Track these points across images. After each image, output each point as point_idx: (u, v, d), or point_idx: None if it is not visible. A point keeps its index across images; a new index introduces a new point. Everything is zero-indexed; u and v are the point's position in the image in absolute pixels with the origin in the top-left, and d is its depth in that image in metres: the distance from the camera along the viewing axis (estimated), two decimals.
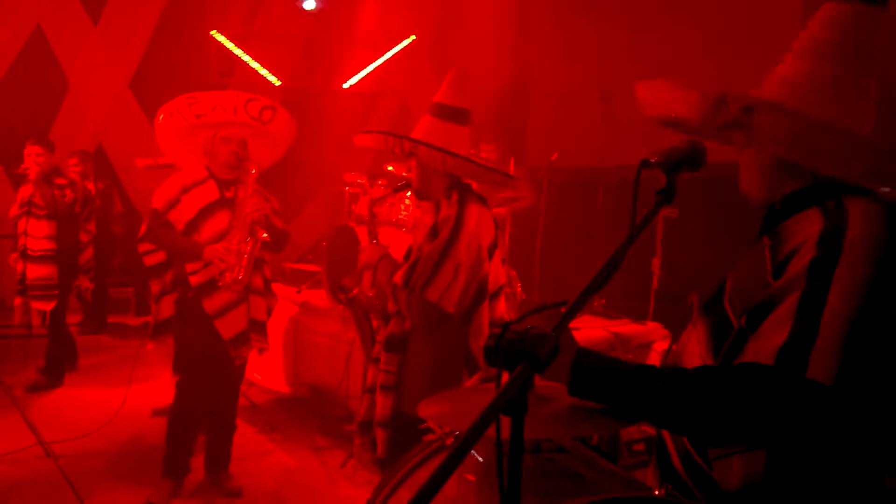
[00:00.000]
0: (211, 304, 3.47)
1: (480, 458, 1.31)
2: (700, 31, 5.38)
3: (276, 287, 5.82)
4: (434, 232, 2.41)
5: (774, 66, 1.38)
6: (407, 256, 2.56)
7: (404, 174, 5.25)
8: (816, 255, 1.15)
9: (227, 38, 7.21)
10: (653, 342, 4.96)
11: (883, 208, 1.21)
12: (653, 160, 1.19)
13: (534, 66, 7.27)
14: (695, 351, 1.35)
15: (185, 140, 3.58)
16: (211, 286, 3.45)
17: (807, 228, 1.21)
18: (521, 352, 0.92)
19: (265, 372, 5.65)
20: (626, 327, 4.89)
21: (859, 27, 1.27)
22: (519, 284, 4.86)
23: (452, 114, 2.53)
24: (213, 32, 7.17)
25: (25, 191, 5.22)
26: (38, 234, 5.19)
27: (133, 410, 4.50)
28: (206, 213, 3.48)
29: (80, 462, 3.96)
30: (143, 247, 3.60)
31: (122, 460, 4.04)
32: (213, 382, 3.61)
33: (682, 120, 1.33)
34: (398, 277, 2.40)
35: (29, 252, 5.19)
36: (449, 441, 1.40)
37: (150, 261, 3.64)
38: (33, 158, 5.09)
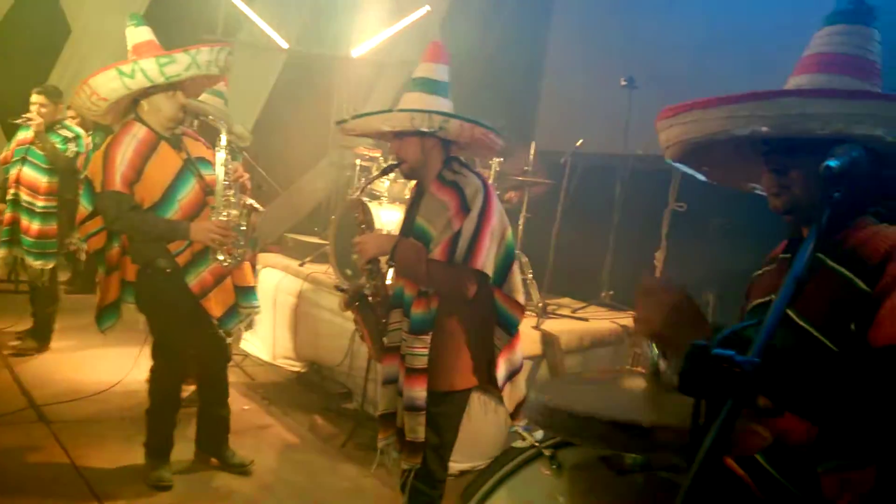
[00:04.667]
0: (197, 283, 3.20)
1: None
2: (728, 19, 5.26)
3: (277, 258, 5.72)
4: (465, 207, 2.40)
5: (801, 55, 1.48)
6: (418, 234, 2.50)
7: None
8: None
9: None
10: None
11: None
12: (837, 168, 1.07)
13: (550, 49, 7.12)
14: None
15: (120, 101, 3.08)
16: (195, 264, 3.18)
17: (882, 237, 1.28)
18: (733, 382, 0.79)
19: (262, 345, 5.53)
20: (631, 320, 4.83)
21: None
22: (531, 272, 4.77)
23: (440, 88, 2.53)
24: None
25: (25, 139, 5.01)
26: (38, 189, 5.00)
27: (133, 376, 4.36)
28: (178, 184, 3.13)
29: (73, 427, 3.83)
30: (85, 229, 3.24)
31: (118, 426, 3.90)
32: (200, 361, 3.45)
33: None
34: (440, 254, 2.37)
35: (26, 205, 5.00)
36: (547, 451, 1.31)
37: (94, 244, 3.26)
38: (37, 108, 4.88)
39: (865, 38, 1.41)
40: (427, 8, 7.21)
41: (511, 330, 2.54)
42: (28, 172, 4.99)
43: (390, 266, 2.60)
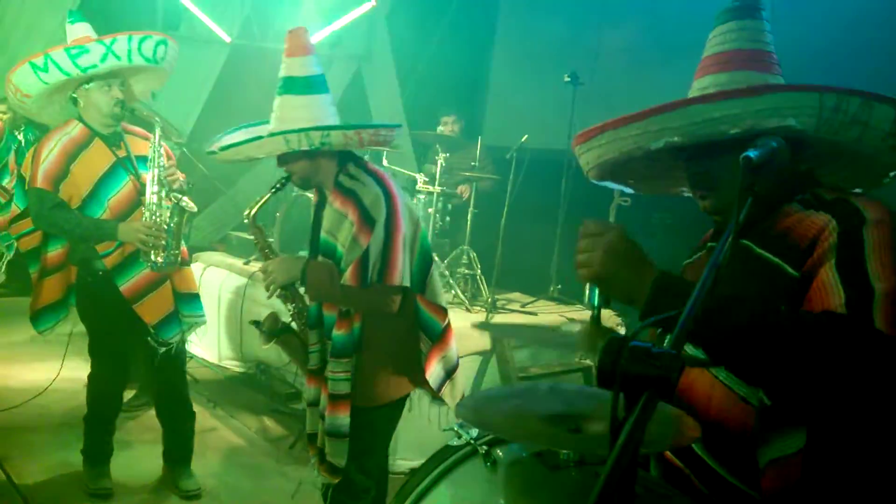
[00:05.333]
0: (129, 287, 3.07)
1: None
2: (669, 17, 5.34)
3: (220, 257, 5.60)
4: (368, 220, 2.19)
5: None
6: (325, 250, 2.33)
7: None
8: (842, 230, 1.22)
9: None
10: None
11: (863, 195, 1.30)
12: (756, 159, 1.07)
13: (497, 43, 7.14)
14: None
15: (48, 96, 2.98)
16: (127, 266, 3.06)
17: (809, 223, 1.28)
18: (651, 376, 0.78)
19: (206, 346, 5.41)
20: (581, 313, 4.88)
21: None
22: (479, 267, 4.78)
23: (314, 84, 2.28)
24: None
25: None
26: None
27: (66, 383, 4.21)
28: (106, 182, 3.01)
29: (6, 437, 3.68)
30: (17, 228, 3.15)
31: (54, 434, 3.77)
32: (149, 371, 3.33)
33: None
34: (350, 278, 2.20)
35: None
36: (482, 448, 1.31)
37: (27, 244, 3.17)
38: None
39: (758, 31, 1.41)
40: (372, 2, 7.15)
41: (433, 337, 2.40)
42: None
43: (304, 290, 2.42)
